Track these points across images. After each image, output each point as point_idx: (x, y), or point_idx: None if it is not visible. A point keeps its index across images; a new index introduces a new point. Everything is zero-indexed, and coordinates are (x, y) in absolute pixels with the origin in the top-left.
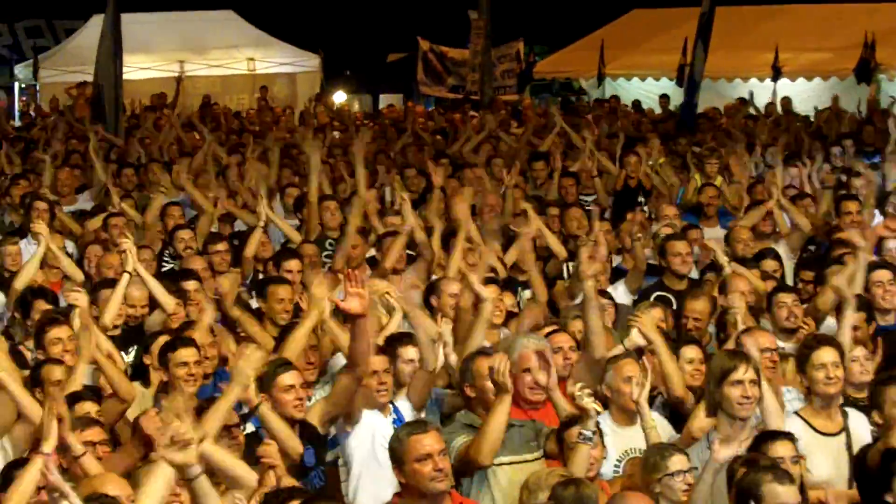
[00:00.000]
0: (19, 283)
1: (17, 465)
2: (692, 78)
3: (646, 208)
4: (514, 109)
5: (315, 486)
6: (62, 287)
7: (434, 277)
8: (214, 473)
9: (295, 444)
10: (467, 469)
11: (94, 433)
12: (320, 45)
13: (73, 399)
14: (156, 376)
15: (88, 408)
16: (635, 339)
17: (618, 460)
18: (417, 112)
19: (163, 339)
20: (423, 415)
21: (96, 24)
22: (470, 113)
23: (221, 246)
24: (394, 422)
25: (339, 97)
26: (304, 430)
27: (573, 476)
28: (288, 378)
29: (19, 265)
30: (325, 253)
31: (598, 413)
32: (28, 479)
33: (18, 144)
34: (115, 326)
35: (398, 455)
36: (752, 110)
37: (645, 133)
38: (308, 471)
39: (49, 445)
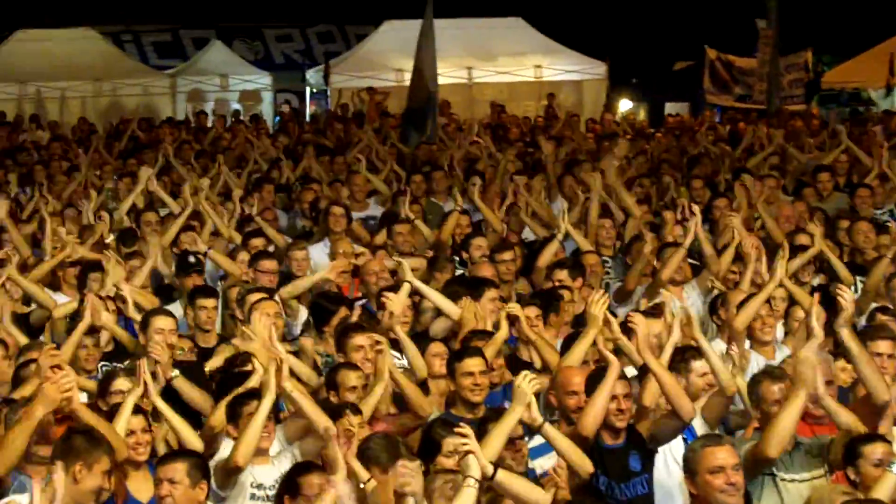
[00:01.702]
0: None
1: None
2: None
3: None
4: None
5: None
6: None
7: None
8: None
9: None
10: (754, 469)
11: None
12: (607, 52)
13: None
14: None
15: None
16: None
17: None
18: (705, 120)
19: None
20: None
21: (387, 29)
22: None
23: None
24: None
25: (625, 105)
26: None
27: (859, 496)
28: None
29: (305, 271)
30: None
31: None
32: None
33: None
34: None
35: (691, 465)
36: None
37: None
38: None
39: (340, 476)
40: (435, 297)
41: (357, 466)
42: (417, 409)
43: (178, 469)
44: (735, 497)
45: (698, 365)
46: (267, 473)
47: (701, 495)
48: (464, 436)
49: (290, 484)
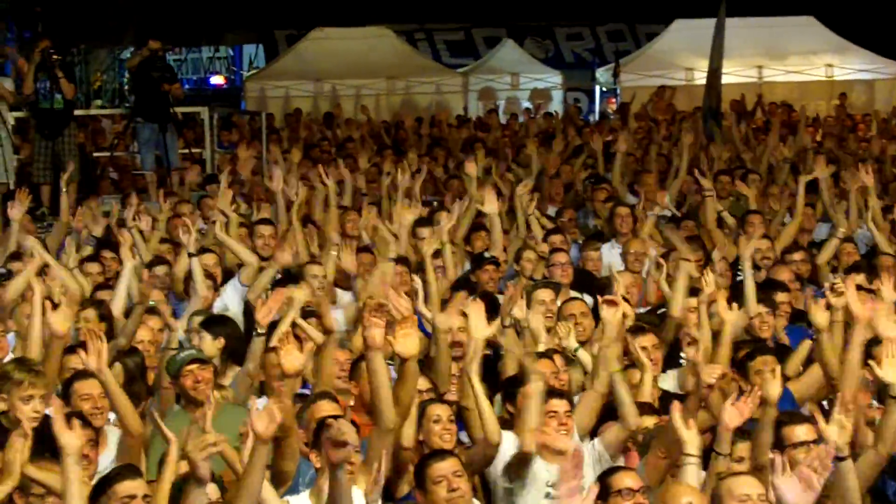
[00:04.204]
0: None
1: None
2: None
3: None
4: None
5: None
6: None
7: None
8: None
9: None
10: None
11: None
12: None
13: None
14: None
15: None
16: None
17: None
18: None
19: None
20: None
21: (678, 28)
22: None
23: None
24: None
25: None
26: None
27: None
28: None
29: (601, 270)
30: None
31: None
32: None
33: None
34: None
35: None
36: None
37: None
38: None
39: None
40: None
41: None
42: (715, 409)
43: None
44: None
45: None
46: None
47: None
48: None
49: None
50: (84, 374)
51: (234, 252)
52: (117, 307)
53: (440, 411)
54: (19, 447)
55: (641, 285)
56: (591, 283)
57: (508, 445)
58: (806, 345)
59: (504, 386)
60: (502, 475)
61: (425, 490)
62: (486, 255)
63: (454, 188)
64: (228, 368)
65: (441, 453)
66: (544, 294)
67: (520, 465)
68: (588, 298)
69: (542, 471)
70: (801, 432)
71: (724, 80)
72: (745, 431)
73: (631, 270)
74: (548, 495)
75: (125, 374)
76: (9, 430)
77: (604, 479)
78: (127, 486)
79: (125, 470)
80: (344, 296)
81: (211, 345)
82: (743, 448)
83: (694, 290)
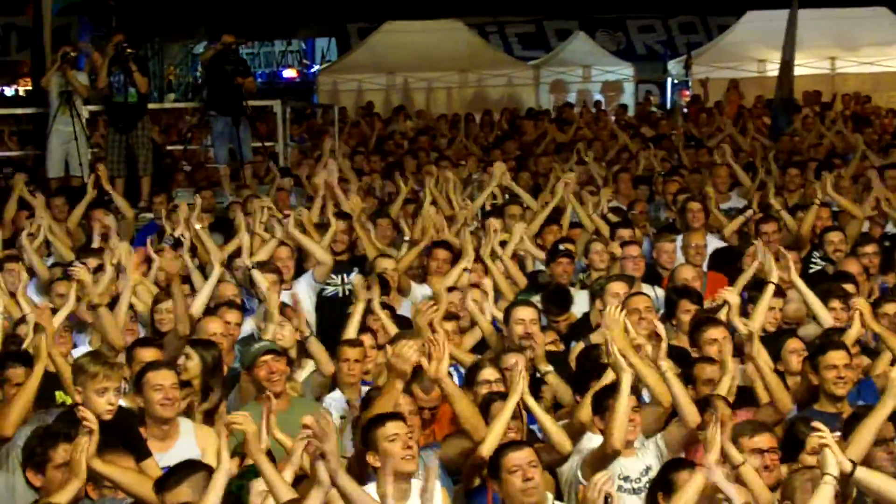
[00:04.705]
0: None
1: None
2: None
3: None
4: None
5: None
6: None
7: None
8: None
9: None
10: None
11: None
12: None
13: None
14: None
15: None
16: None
17: None
18: None
19: None
20: None
21: (749, 20)
22: None
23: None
24: None
25: None
26: None
27: None
28: None
29: (673, 263)
30: None
31: None
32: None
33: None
34: None
35: None
36: None
37: None
38: None
39: (712, 457)
40: None
41: (732, 451)
42: (778, 403)
43: None
44: None
45: None
46: (633, 465)
47: None
48: (820, 431)
49: (663, 481)
50: (157, 364)
51: (307, 249)
52: (197, 306)
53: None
54: (84, 446)
55: (702, 277)
56: (660, 277)
57: (587, 443)
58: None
59: (594, 398)
60: (578, 472)
61: (499, 479)
62: (561, 247)
63: (524, 180)
64: (304, 362)
65: (517, 444)
66: (618, 287)
67: (602, 463)
68: (659, 291)
69: (616, 466)
70: None
71: (797, 71)
72: None
73: (691, 263)
74: (620, 488)
75: (202, 366)
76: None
77: (666, 473)
78: None
79: None
80: (417, 289)
81: (289, 336)
82: None
83: (779, 290)
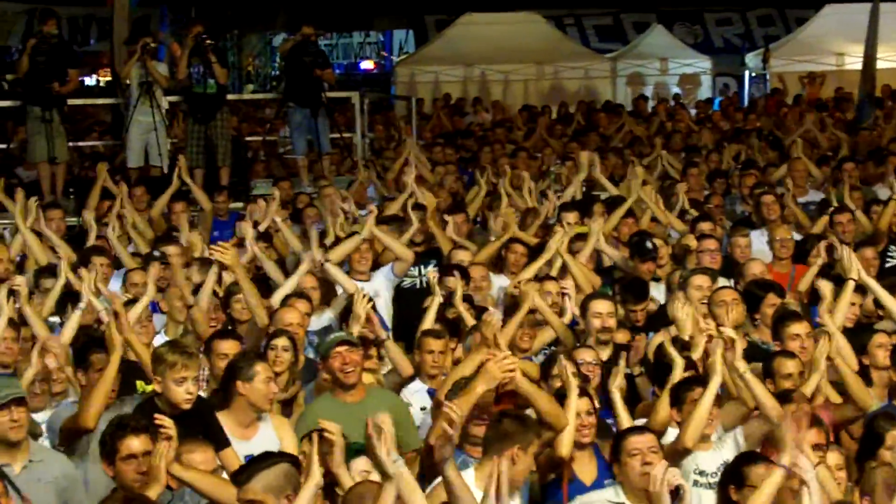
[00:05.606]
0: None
1: (752, 458)
2: None
3: None
4: None
5: None
6: None
7: None
8: None
9: None
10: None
11: None
12: None
13: None
14: None
15: None
16: None
17: None
18: None
19: None
20: None
21: (829, 13)
22: None
23: None
24: None
25: None
26: None
27: None
28: None
29: (748, 257)
30: None
31: None
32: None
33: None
34: None
35: None
36: None
37: None
38: None
39: (787, 458)
40: None
41: (807, 451)
42: (859, 400)
43: None
44: None
45: None
46: (710, 459)
47: None
48: None
49: (735, 474)
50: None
51: (388, 246)
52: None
53: (579, 405)
54: (163, 452)
55: (790, 271)
56: (734, 270)
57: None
58: None
59: (672, 391)
60: None
61: (620, 462)
62: (648, 244)
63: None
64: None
65: (640, 429)
66: (700, 280)
67: (674, 458)
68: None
69: (692, 460)
70: None
71: (878, 65)
72: None
73: (778, 258)
74: (695, 483)
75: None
76: (163, 411)
77: (738, 466)
78: None
79: None
80: (496, 280)
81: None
82: None
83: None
